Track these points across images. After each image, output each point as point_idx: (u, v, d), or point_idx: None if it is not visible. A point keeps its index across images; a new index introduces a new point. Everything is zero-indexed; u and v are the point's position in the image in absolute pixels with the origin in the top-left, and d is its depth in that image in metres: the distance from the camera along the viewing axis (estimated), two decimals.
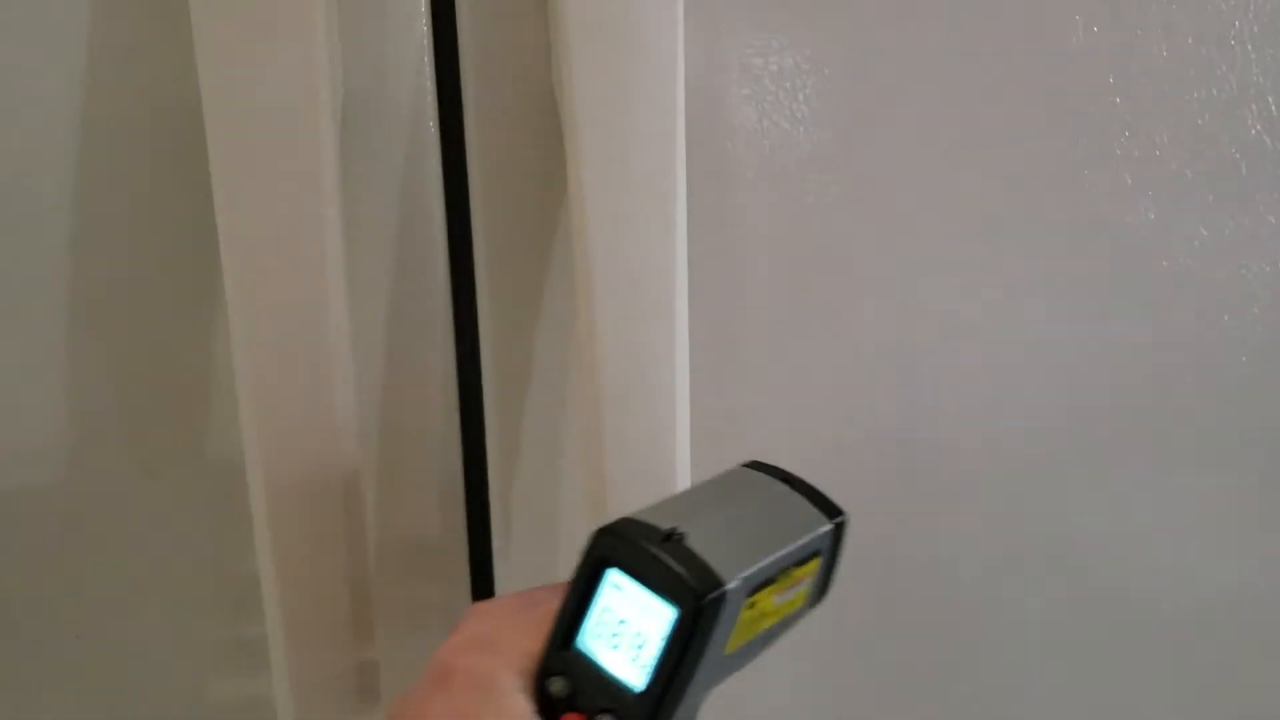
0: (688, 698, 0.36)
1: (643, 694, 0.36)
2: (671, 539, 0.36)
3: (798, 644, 0.49)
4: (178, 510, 0.57)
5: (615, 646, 0.36)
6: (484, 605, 0.40)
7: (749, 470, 0.41)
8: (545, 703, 0.37)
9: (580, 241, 0.50)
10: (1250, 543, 0.69)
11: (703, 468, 0.49)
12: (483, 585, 0.60)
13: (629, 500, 0.48)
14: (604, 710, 0.36)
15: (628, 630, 0.36)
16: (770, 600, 0.37)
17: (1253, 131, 0.62)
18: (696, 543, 0.36)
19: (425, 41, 0.53)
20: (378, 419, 0.57)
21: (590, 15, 0.48)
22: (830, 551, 0.39)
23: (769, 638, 0.39)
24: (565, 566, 0.40)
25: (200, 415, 0.56)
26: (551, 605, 0.38)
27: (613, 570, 0.37)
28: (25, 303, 0.53)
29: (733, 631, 0.36)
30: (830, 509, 0.39)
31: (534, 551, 0.61)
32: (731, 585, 0.35)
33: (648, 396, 0.51)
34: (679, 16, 0.49)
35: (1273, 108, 0.62)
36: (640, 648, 0.36)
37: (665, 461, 0.52)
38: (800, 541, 0.38)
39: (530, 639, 0.38)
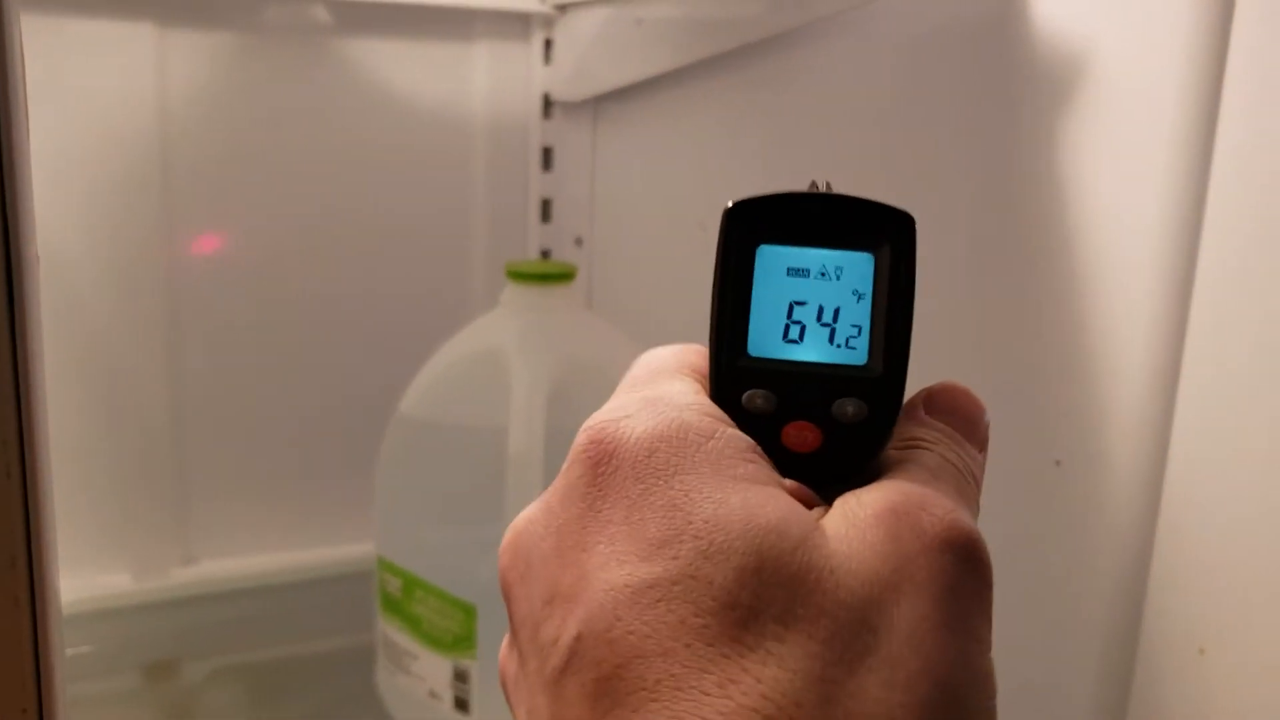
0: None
1: (875, 361, 0.31)
2: (816, 188, 0.32)
3: None
4: None
5: (801, 333, 0.32)
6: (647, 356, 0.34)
7: None
8: (742, 423, 0.30)
9: None
10: None
11: None
12: None
13: None
14: (846, 395, 0.31)
15: (808, 309, 0.31)
16: None
17: None
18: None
19: None
20: None
21: None
22: None
23: None
24: None
25: None
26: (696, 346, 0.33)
27: (769, 248, 0.32)
28: None
29: None
30: None
31: None
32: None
33: None
34: None
35: None
36: (837, 320, 0.31)
37: None
38: None
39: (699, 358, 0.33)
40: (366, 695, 0.84)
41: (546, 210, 1.07)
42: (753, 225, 0.31)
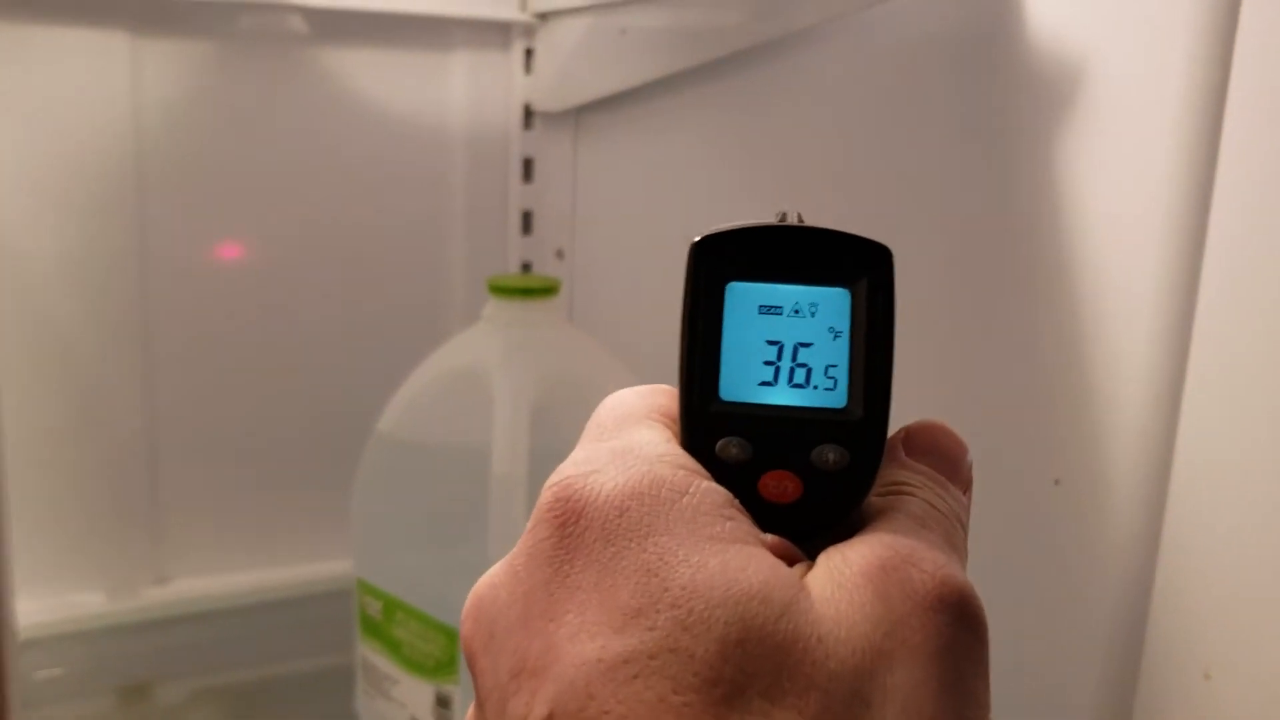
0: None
1: (855, 404, 0.29)
2: (787, 220, 0.30)
3: None
4: None
5: (776, 375, 0.30)
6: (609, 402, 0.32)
7: None
8: (717, 474, 0.29)
9: None
10: None
11: None
12: None
13: None
14: (825, 442, 0.29)
15: (783, 348, 0.30)
16: None
17: None
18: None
19: None
20: None
21: None
22: None
23: None
24: None
25: None
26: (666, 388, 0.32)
27: (739, 285, 0.30)
28: None
29: None
30: None
31: None
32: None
33: None
34: None
35: None
36: (814, 360, 0.30)
37: None
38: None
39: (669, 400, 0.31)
40: (346, 718, 0.82)
41: (527, 222, 1.06)
42: (721, 261, 0.30)
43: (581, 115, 1.02)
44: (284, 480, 1.01)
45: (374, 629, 0.69)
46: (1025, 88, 0.60)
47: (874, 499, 0.30)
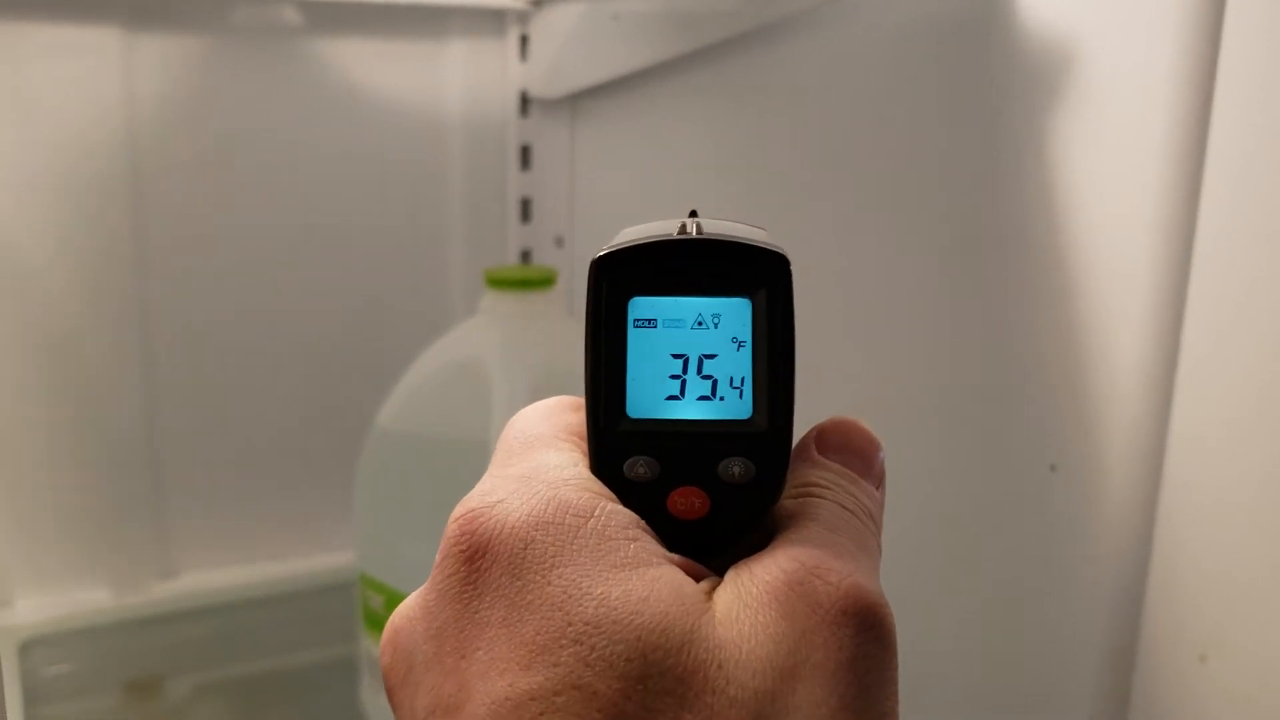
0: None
1: (760, 415, 0.29)
2: (686, 229, 0.30)
3: None
4: None
5: (682, 389, 0.30)
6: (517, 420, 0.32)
7: None
8: (625, 494, 0.29)
9: None
10: None
11: None
12: None
13: None
14: (730, 455, 0.29)
15: (688, 361, 0.30)
16: None
17: None
18: (711, 227, 0.30)
19: None
20: None
21: None
22: None
23: None
24: None
25: None
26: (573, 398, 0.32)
27: (642, 300, 0.30)
28: None
29: None
30: None
31: None
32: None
33: None
34: None
35: None
36: (718, 372, 0.30)
37: None
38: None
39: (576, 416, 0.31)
40: (352, 709, 0.82)
41: (526, 210, 1.05)
42: (623, 276, 0.29)
43: (578, 102, 1.02)
44: (286, 474, 1.01)
45: (378, 623, 0.69)
46: (1018, 72, 0.60)
47: (785, 501, 0.30)
